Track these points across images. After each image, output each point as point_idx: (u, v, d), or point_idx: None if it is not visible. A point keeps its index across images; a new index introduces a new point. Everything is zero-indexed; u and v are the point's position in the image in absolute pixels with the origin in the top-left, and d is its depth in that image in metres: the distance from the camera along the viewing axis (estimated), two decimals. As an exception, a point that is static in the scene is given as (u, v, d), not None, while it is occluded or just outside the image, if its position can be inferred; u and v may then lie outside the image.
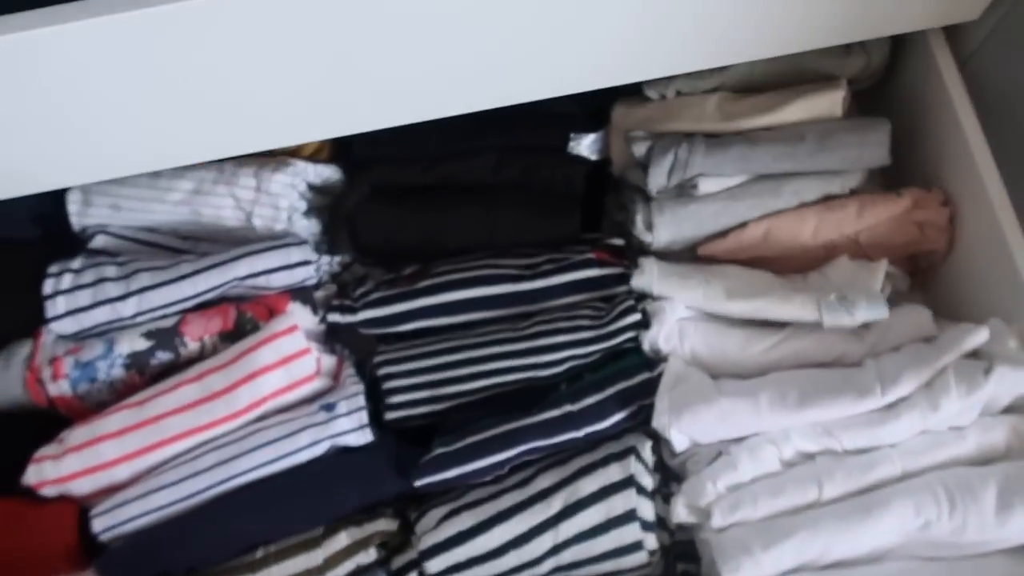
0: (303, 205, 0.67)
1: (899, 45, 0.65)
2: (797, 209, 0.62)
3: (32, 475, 0.59)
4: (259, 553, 0.58)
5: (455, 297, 0.62)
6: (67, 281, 0.65)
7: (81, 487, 0.60)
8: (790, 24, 0.56)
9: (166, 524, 0.59)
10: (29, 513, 0.59)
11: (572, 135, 0.67)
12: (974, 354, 0.56)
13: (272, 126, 0.59)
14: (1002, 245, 0.57)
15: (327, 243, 0.70)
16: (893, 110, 0.65)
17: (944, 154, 0.62)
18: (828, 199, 0.62)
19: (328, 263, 0.66)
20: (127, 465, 0.60)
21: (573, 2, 0.51)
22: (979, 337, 0.55)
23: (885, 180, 0.66)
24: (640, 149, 0.64)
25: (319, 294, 0.65)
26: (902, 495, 0.52)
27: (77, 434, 0.60)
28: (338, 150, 0.71)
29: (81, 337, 0.65)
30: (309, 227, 0.68)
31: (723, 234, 0.64)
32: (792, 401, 0.55)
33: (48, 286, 0.65)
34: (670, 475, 0.58)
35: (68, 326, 0.65)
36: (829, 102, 0.62)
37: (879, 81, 0.67)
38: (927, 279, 0.66)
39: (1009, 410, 0.55)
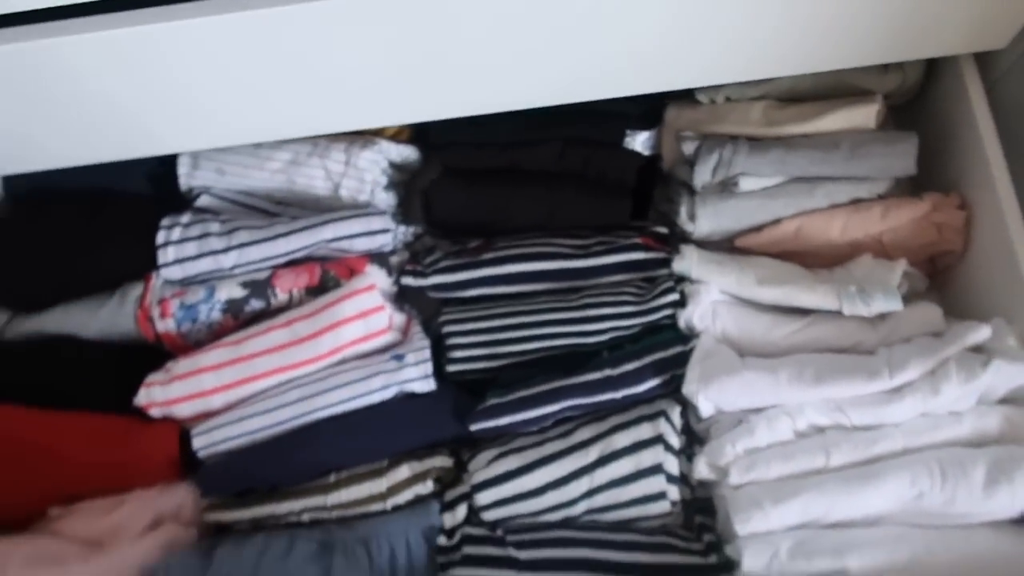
0: (384, 180, 0.75)
1: (933, 67, 0.71)
2: (828, 209, 0.69)
3: (142, 397, 0.69)
4: (331, 478, 0.66)
5: (514, 269, 0.70)
6: (176, 233, 0.74)
7: (182, 411, 0.69)
8: (833, 43, 0.62)
9: (254, 447, 0.68)
10: (139, 429, 0.69)
11: (628, 132, 0.74)
12: (977, 349, 0.62)
13: (364, 109, 0.67)
14: (1011, 254, 0.62)
15: (401, 215, 0.78)
16: (924, 126, 0.71)
17: (965, 168, 0.68)
18: (856, 202, 0.69)
19: (403, 233, 0.75)
20: (222, 395, 0.69)
21: (639, 16, 0.58)
22: (981, 333, 0.61)
23: (911, 190, 0.72)
24: (689, 147, 0.71)
25: (393, 259, 0.74)
26: (900, 467, 0.59)
27: (181, 365, 0.70)
28: (416, 134, 0.79)
29: (186, 283, 0.75)
30: (388, 200, 0.76)
31: (759, 228, 0.70)
32: (808, 378, 0.62)
33: (160, 236, 0.74)
34: (695, 439, 0.66)
35: (175, 272, 0.74)
36: (864, 115, 0.68)
37: (913, 99, 0.73)
38: (943, 282, 0.72)
39: (1004, 401, 0.62)
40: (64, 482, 0.69)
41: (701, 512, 0.64)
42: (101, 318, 0.73)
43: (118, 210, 0.77)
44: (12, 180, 0.79)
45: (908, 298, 0.66)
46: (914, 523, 0.60)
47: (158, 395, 0.68)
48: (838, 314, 0.65)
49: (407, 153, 0.76)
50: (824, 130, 0.69)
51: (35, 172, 0.73)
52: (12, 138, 0.67)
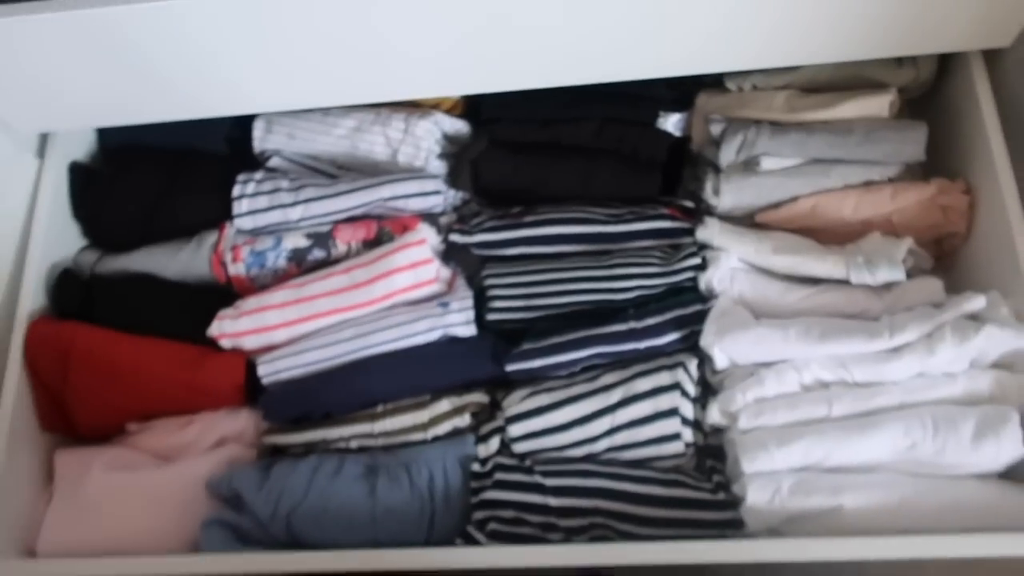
0: (438, 149, 0.83)
1: (945, 64, 0.77)
2: (842, 189, 0.75)
3: (214, 328, 0.77)
4: (379, 408, 0.74)
5: (552, 231, 0.77)
6: (251, 188, 0.82)
7: (249, 343, 0.77)
8: (850, 34, 0.69)
9: (311, 377, 0.75)
10: (210, 357, 0.77)
11: (661, 113, 0.81)
12: (972, 318, 0.68)
13: (425, 79, 0.75)
14: (1008, 237, 0.68)
15: (450, 182, 0.86)
16: (935, 117, 0.77)
17: (971, 157, 0.74)
18: (869, 184, 0.75)
19: (452, 197, 0.82)
20: (285, 331, 0.77)
21: (675, 5, 0.65)
22: (977, 303, 0.67)
23: (920, 176, 0.78)
24: (716, 128, 0.77)
25: (443, 220, 0.81)
26: (895, 419, 0.65)
27: (250, 302, 0.78)
28: (468, 108, 0.87)
29: (256, 233, 0.83)
30: (440, 167, 0.83)
31: (777, 205, 0.77)
32: (815, 336, 0.68)
33: (236, 190, 0.82)
34: (710, 391, 0.72)
35: (247, 223, 0.82)
36: (878, 104, 0.74)
37: (927, 92, 0.79)
38: (949, 264, 0.78)
39: (996, 366, 0.67)
40: (142, 401, 0.77)
41: (712, 457, 0.71)
42: (180, 260, 0.82)
43: (199, 166, 0.85)
44: (105, 134, 0.88)
45: (913, 275, 0.73)
46: (906, 471, 0.65)
47: (228, 327, 0.76)
48: (846, 283, 0.71)
49: (459, 126, 0.84)
50: (841, 117, 0.75)
51: (126, 127, 0.82)
52: (108, 93, 0.75)
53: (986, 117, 0.72)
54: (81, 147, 0.88)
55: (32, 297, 0.79)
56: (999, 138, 0.71)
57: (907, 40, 0.70)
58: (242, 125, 0.86)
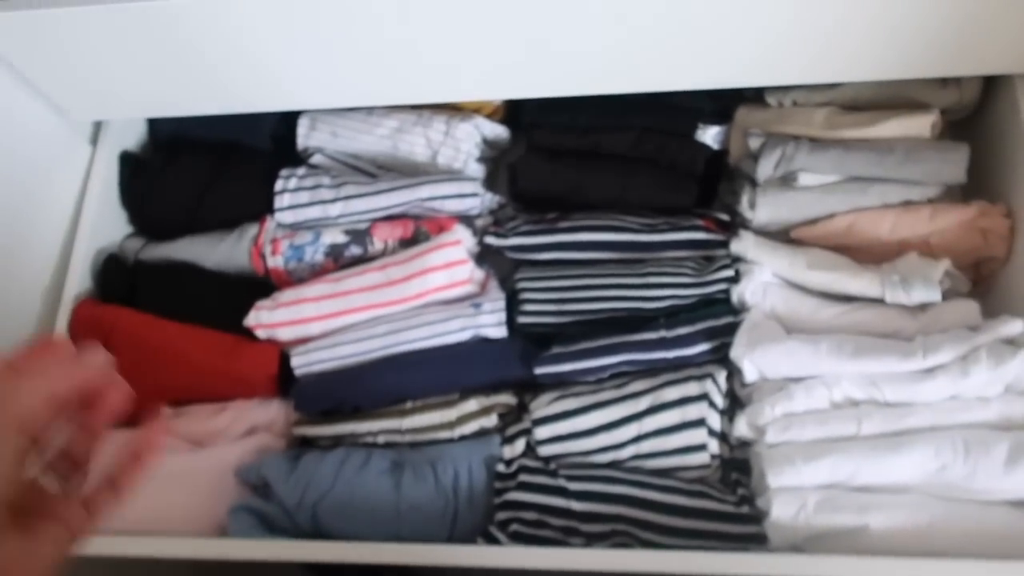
0: (477, 152, 0.84)
1: (990, 87, 0.77)
2: (879, 208, 0.75)
3: (252, 318, 0.78)
4: (408, 404, 0.75)
5: (587, 238, 0.78)
6: (293, 183, 0.84)
7: (284, 334, 0.79)
8: (895, 54, 0.68)
9: (343, 371, 0.77)
10: (246, 346, 0.79)
11: (700, 125, 0.81)
12: (1009, 343, 0.67)
13: (468, 84, 0.76)
14: (1050, 260, 0.68)
15: (488, 186, 0.87)
16: (978, 140, 0.76)
17: (1013, 181, 0.73)
18: (907, 203, 0.75)
19: (489, 200, 0.83)
20: (320, 324, 0.78)
21: (719, 18, 0.66)
22: (1014, 327, 0.66)
23: (961, 198, 0.77)
24: (755, 142, 0.78)
25: (479, 222, 0.82)
26: (926, 440, 0.64)
27: (287, 294, 0.79)
28: (509, 114, 0.88)
29: (296, 227, 0.85)
30: (478, 171, 0.85)
31: (814, 221, 0.76)
32: (847, 352, 0.67)
33: (279, 184, 0.84)
34: (738, 404, 0.72)
35: (288, 217, 0.84)
36: (920, 124, 0.74)
37: (970, 115, 0.79)
38: (986, 288, 0.77)
39: (1033, 392, 0.66)
40: (178, 386, 0.79)
41: (737, 470, 0.70)
42: (220, 251, 0.84)
43: (243, 160, 0.88)
44: (156, 126, 0.91)
45: (949, 297, 0.72)
46: (936, 494, 0.65)
47: (265, 318, 0.78)
48: (881, 302, 0.71)
49: (499, 131, 0.85)
50: (881, 136, 0.75)
51: (176, 120, 0.85)
52: (161, 85, 0.77)
53: (1031, 142, 0.71)
54: (133, 137, 0.91)
55: (79, 280, 0.82)
56: (1043, 164, 0.70)
57: (952, 61, 0.70)
58: (287, 122, 0.89)
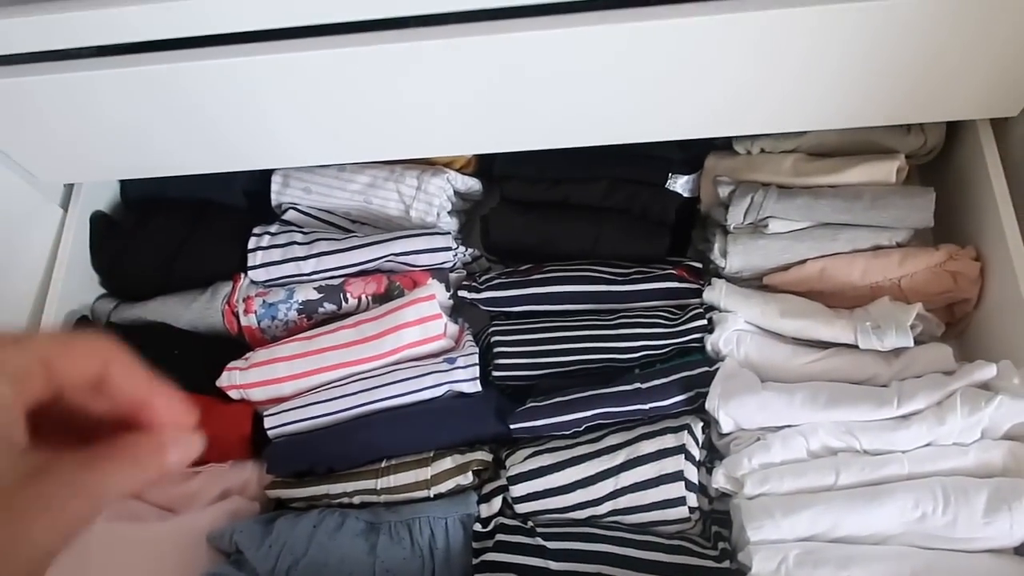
0: (449, 205, 0.84)
1: (954, 131, 0.78)
2: (850, 253, 0.75)
3: (224, 379, 0.78)
4: (383, 463, 0.73)
5: (559, 289, 0.78)
6: (265, 240, 0.84)
7: (257, 395, 0.78)
8: (859, 101, 0.69)
9: (317, 431, 0.76)
10: (218, 408, 0.77)
11: (671, 174, 0.82)
12: (984, 387, 0.67)
13: (439, 139, 0.76)
14: (1019, 304, 0.68)
15: (462, 240, 0.87)
16: (945, 184, 0.77)
17: (980, 224, 0.74)
18: (877, 248, 0.75)
19: (462, 253, 0.83)
20: (293, 383, 0.77)
21: (685, 72, 0.66)
22: (988, 372, 0.66)
23: (931, 242, 0.77)
24: (725, 190, 0.78)
25: (452, 276, 0.82)
26: (905, 489, 0.63)
27: (260, 354, 0.78)
28: (481, 167, 0.88)
29: (269, 284, 0.84)
30: (451, 224, 0.85)
31: (786, 268, 0.77)
32: (822, 402, 0.67)
33: (251, 242, 0.84)
34: (715, 455, 0.71)
35: (261, 275, 0.84)
36: (886, 170, 0.74)
37: (936, 159, 0.79)
38: (961, 330, 0.77)
39: (1009, 437, 0.66)
40: (149, 450, 0.78)
41: (717, 523, 0.69)
42: (193, 310, 0.83)
43: (216, 218, 0.87)
44: (127, 185, 0.91)
45: (923, 341, 0.72)
46: (917, 544, 0.64)
47: (237, 378, 0.77)
48: (855, 348, 0.71)
49: (471, 184, 0.86)
50: (849, 182, 0.75)
51: (148, 180, 0.84)
52: (138, 148, 0.77)
53: (995, 185, 0.72)
54: (104, 197, 0.91)
55: (48, 344, 0.80)
56: (1008, 206, 0.71)
57: (915, 108, 0.71)
58: (260, 178, 0.89)
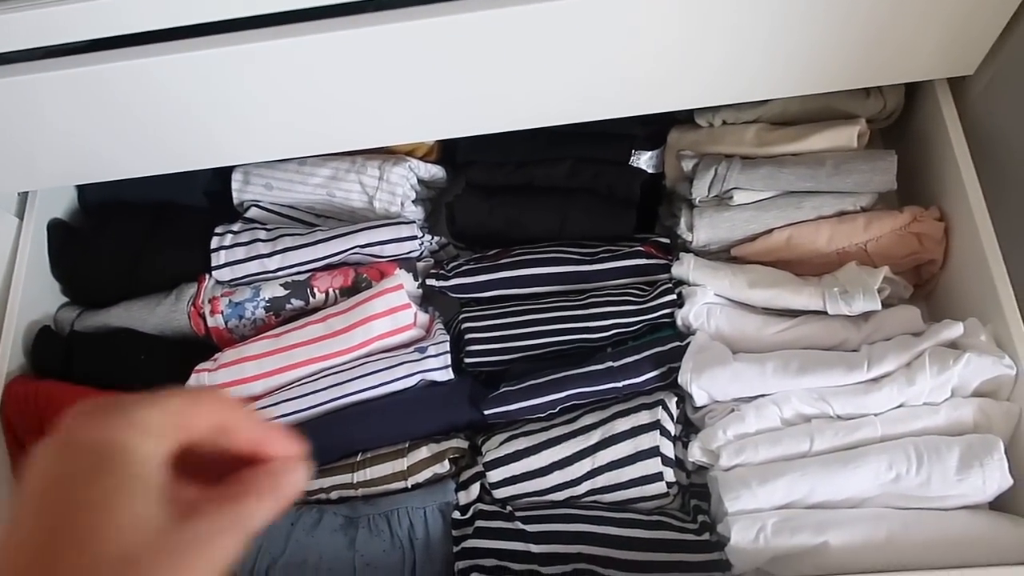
0: (413, 194, 0.83)
1: (913, 93, 0.78)
2: (815, 220, 0.75)
3: (192, 381, 0.76)
4: (358, 457, 0.73)
5: (528, 272, 0.77)
6: (228, 239, 0.83)
7: (227, 395, 0.77)
8: (816, 68, 0.69)
9: (290, 428, 0.75)
10: (188, 411, 0.77)
11: (634, 151, 0.81)
12: (952, 346, 0.67)
13: (398, 127, 0.75)
14: (983, 261, 0.68)
15: (429, 228, 0.86)
16: (906, 146, 0.77)
17: (942, 184, 0.74)
18: (842, 214, 0.75)
19: (429, 241, 0.82)
20: (263, 382, 0.76)
21: (639, 46, 0.66)
22: (955, 330, 0.66)
23: (895, 205, 0.78)
24: (688, 164, 0.78)
25: (420, 265, 0.81)
26: (879, 451, 0.64)
27: (228, 354, 0.77)
28: (444, 153, 0.87)
29: (234, 284, 0.83)
30: (416, 213, 0.84)
31: (753, 238, 0.76)
32: (793, 369, 0.67)
33: (214, 242, 0.83)
34: (691, 429, 0.71)
35: (226, 274, 0.83)
36: (847, 135, 0.74)
37: (896, 121, 0.79)
38: (929, 291, 0.77)
39: (978, 394, 0.66)
40: (120, 457, 0.76)
41: (696, 497, 0.69)
42: (158, 314, 0.82)
43: (178, 219, 0.86)
44: (85, 191, 0.89)
45: (892, 303, 0.72)
46: (893, 505, 0.64)
47: (206, 380, 0.76)
48: (824, 314, 0.71)
49: (434, 171, 0.85)
50: (811, 149, 0.75)
51: (106, 184, 0.83)
52: (88, 152, 0.75)
53: (955, 144, 0.72)
54: (61, 204, 0.89)
55: (11, 356, 0.79)
56: (968, 164, 0.71)
57: (872, 71, 0.71)
58: (221, 177, 0.87)
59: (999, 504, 0.64)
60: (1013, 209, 0.69)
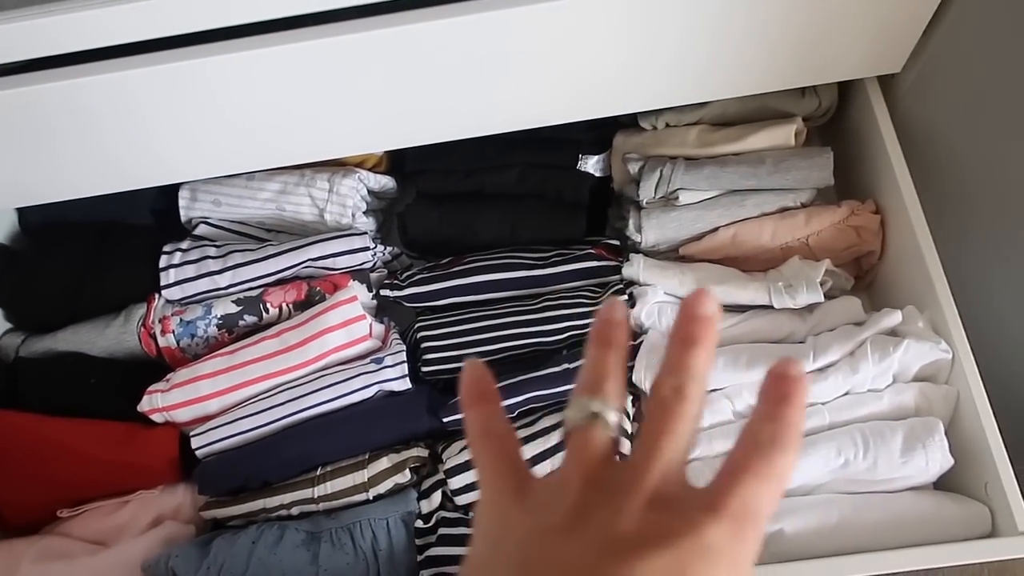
0: (364, 205, 0.83)
1: (846, 91, 0.81)
2: (758, 218, 0.77)
3: (145, 403, 0.75)
4: (318, 471, 0.72)
5: (481, 279, 0.78)
6: (177, 257, 0.82)
7: (181, 416, 0.76)
8: (751, 69, 0.71)
9: (247, 446, 0.74)
10: (142, 433, 0.75)
11: (581, 156, 0.82)
12: (892, 334, 0.70)
13: (346, 139, 0.75)
14: (917, 250, 0.71)
15: (381, 239, 0.86)
16: (841, 142, 0.80)
17: (877, 177, 0.77)
18: (784, 210, 0.77)
19: (382, 252, 0.83)
20: (218, 400, 0.75)
21: (580, 52, 0.67)
22: (894, 319, 0.69)
23: (834, 199, 0.80)
24: (634, 167, 0.79)
25: (373, 276, 0.81)
26: (827, 439, 0.66)
27: (180, 374, 0.76)
28: (393, 164, 0.88)
29: (185, 302, 0.82)
30: (368, 224, 0.84)
31: (699, 237, 0.78)
32: (743, 363, 0.69)
33: (163, 260, 0.81)
34: (648, 426, 0.72)
35: (176, 293, 0.81)
36: (785, 134, 0.77)
37: (832, 119, 0.82)
38: (869, 282, 0.80)
39: (920, 379, 0.69)
40: (73, 484, 0.75)
41: (656, 492, 0.70)
42: (107, 336, 0.80)
43: (124, 239, 0.84)
44: (27, 213, 0.87)
45: (835, 295, 0.75)
46: (843, 490, 0.66)
47: (159, 401, 0.75)
48: (771, 308, 0.73)
49: (384, 181, 0.85)
50: (751, 148, 0.77)
51: (47, 205, 0.81)
52: (27, 173, 0.74)
53: (886, 139, 0.75)
54: (2, 227, 0.87)
55: (-47, 386, 0.77)
56: (900, 158, 0.74)
57: (807, 72, 0.73)
58: (167, 195, 0.86)
59: (942, 484, 0.67)
60: (943, 199, 0.72)
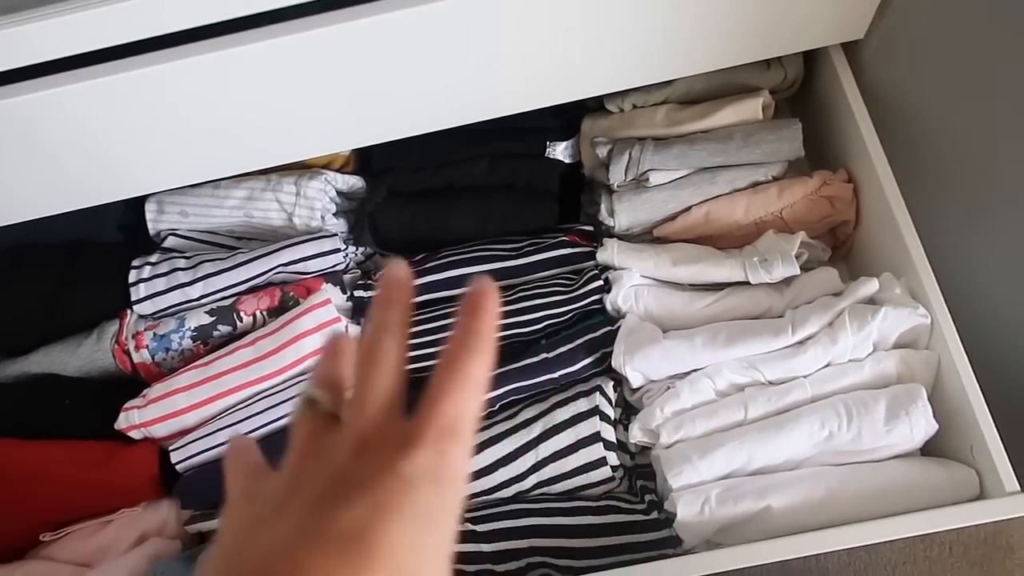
0: (333, 207, 0.82)
1: (811, 61, 0.80)
2: (731, 194, 0.76)
3: (122, 421, 0.74)
4: (301, 478, 0.72)
5: (455, 273, 0.77)
6: (147, 271, 0.81)
7: (159, 431, 0.75)
8: (713, 45, 0.70)
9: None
10: (120, 451, 0.74)
11: (549, 143, 0.82)
12: (870, 302, 0.69)
13: (308, 140, 0.74)
14: (891, 217, 0.70)
15: (353, 239, 0.85)
16: (809, 113, 0.79)
17: (847, 146, 0.76)
18: (755, 185, 0.76)
19: (354, 253, 0.82)
20: (195, 413, 0.74)
21: (548, 37, 0.66)
22: (871, 287, 0.68)
23: (806, 170, 0.79)
24: (602, 151, 0.78)
25: (347, 277, 0.80)
26: (810, 412, 0.65)
27: (156, 389, 0.75)
28: (360, 163, 0.86)
29: (157, 316, 0.81)
30: (338, 225, 0.83)
31: (672, 217, 0.78)
32: (722, 341, 0.68)
33: (132, 275, 0.80)
34: (631, 411, 0.72)
35: (147, 307, 0.80)
36: (752, 108, 0.76)
37: (798, 90, 0.81)
38: (846, 252, 0.79)
39: (899, 346, 0.68)
40: (54, 508, 0.74)
41: (642, 477, 0.70)
42: (81, 356, 0.79)
43: (92, 257, 0.83)
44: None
45: (812, 267, 0.74)
46: (828, 462, 0.66)
47: (136, 418, 0.74)
48: (748, 284, 0.72)
49: (352, 181, 0.84)
50: (719, 124, 0.77)
51: (13, 226, 0.80)
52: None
53: (854, 107, 0.74)
54: (-34, 253, 0.85)
55: (-75, 415, 0.75)
56: (868, 125, 0.73)
57: (770, 43, 0.72)
58: (134, 209, 0.85)
59: (928, 449, 0.66)
60: (915, 164, 0.71)
